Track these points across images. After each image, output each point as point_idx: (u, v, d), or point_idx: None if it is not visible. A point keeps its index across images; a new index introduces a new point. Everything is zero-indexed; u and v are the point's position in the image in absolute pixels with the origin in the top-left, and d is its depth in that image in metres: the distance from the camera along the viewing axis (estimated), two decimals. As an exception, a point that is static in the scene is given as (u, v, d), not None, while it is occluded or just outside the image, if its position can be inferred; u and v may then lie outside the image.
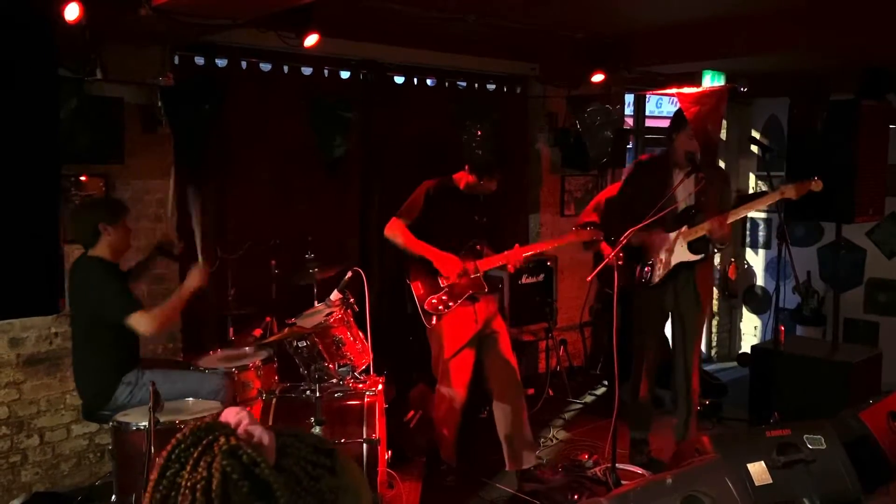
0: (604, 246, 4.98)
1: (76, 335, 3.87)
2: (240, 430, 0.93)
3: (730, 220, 4.47)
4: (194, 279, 3.90)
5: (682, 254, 4.53)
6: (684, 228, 4.52)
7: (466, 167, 4.48)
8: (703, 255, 4.55)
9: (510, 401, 4.51)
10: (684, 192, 4.52)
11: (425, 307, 4.38)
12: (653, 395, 4.92)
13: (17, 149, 1.96)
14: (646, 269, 4.60)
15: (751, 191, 7.90)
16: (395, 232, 4.41)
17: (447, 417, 4.53)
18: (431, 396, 4.73)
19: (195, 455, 0.90)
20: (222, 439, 0.91)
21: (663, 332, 5.08)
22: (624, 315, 4.46)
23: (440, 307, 4.37)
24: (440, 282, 4.40)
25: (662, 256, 4.57)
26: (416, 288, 4.42)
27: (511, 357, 4.58)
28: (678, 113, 4.80)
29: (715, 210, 4.50)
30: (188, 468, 0.90)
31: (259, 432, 0.94)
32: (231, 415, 0.96)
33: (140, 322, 3.69)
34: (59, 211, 2.16)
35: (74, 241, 3.91)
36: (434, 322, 4.39)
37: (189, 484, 0.89)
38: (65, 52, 3.83)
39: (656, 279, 4.58)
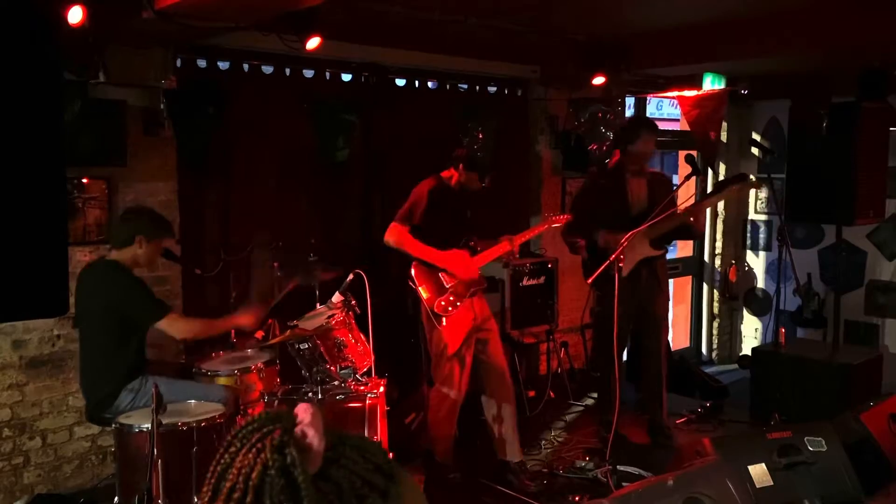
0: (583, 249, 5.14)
1: (86, 338, 3.85)
2: (296, 429, 0.95)
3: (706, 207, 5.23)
4: (246, 319, 3.98)
5: (645, 250, 4.90)
6: (644, 226, 4.74)
7: (461, 165, 4.54)
8: (664, 250, 5.05)
9: (502, 398, 4.64)
10: (643, 194, 4.93)
11: (435, 310, 4.42)
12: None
13: (22, 151, 1.97)
14: (618, 265, 4.77)
15: (752, 199, 7.92)
16: (399, 238, 4.45)
17: (449, 417, 4.57)
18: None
19: (253, 439, 0.95)
20: (278, 433, 0.94)
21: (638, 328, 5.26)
22: (604, 315, 4.75)
23: (449, 308, 4.43)
24: (444, 282, 4.45)
25: (627, 253, 4.81)
26: (423, 291, 4.45)
27: (502, 357, 4.70)
28: (633, 123, 5.24)
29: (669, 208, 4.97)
30: (243, 451, 0.94)
31: (311, 435, 0.95)
32: (300, 410, 0.98)
33: (172, 325, 3.72)
34: (66, 212, 2.17)
35: (107, 241, 4.05)
36: (444, 323, 4.43)
37: (238, 466, 0.93)
38: (68, 56, 3.86)
39: (625, 273, 4.82)
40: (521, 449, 4.73)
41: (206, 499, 0.95)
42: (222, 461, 0.96)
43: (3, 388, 4.32)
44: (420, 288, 4.46)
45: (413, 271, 4.48)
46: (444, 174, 4.61)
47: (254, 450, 0.93)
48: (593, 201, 5.05)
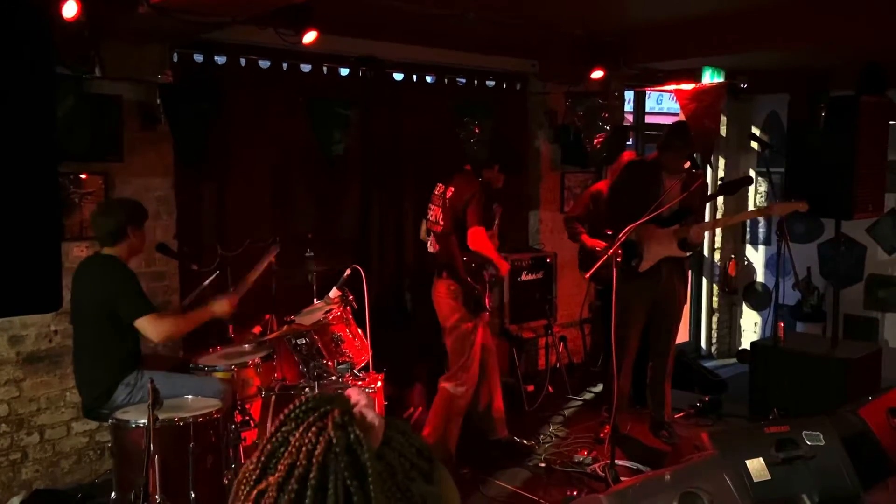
0: (585, 238, 5.13)
1: (80, 333, 3.85)
2: (355, 410, 0.97)
3: (718, 227, 5.33)
4: (222, 307, 3.93)
5: (671, 249, 4.85)
6: (677, 226, 4.80)
7: (497, 166, 4.67)
8: (690, 252, 4.99)
9: (496, 378, 4.91)
10: (676, 193, 4.77)
11: (484, 304, 4.63)
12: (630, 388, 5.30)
13: (15, 147, 1.96)
14: (633, 260, 4.83)
15: (751, 193, 7.89)
16: (486, 243, 4.52)
17: (463, 410, 4.69)
18: (432, 394, 4.74)
19: (310, 419, 0.95)
20: (337, 412, 0.95)
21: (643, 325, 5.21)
22: (606, 309, 4.77)
23: (490, 303, 4.69)
24: (485, 277, 4.63)
25: (652, 249, 4.85)
26: (479, 288, 4.61)
27: (492, 339, 4.96)
28: (671, 134, 5.04)
29: (700, 210, 4.97)
30: (300, 429, 0.95)
31: (372, 416, 0.97)
32: (353, 393, 1.00)
33: (149, 326, 3.68)
34: (59, 208, 2.17)
35: (95, 238, 3.98)
36: (487, 319, 4.66)
37: (297, 444, 0.94)
38: (63, 50, 3.84)
39: (642, 268, 4.87)
40: (504, 427, 5.02)
41: (254, 476, 0.95)
42: (273, 440, 0.96)
43: (1, 383, 4.32)
44: (476, 286, 4.59)
45: (466, 271, 4.57)
46: (468, 168, 4.70)
47: (313, 428, 0.94)
48: (628, 193, 4.96)
